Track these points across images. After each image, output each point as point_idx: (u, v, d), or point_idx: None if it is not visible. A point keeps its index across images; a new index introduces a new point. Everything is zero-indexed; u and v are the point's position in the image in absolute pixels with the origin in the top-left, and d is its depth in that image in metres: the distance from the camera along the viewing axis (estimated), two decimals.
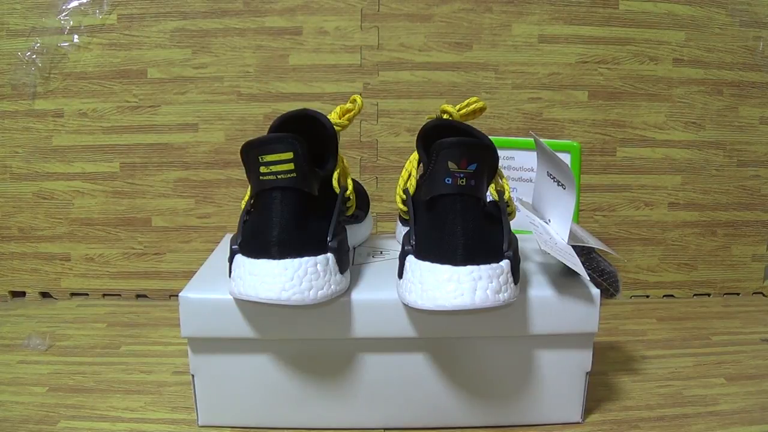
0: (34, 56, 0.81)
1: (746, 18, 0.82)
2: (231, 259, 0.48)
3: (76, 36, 0.81)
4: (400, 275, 0.49)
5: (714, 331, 0.75)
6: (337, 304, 0.50)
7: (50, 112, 0.83)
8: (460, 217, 0.46)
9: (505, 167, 0.73)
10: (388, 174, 0.85)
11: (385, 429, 0.54)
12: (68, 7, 0.80)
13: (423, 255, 0.46)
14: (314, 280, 0.46)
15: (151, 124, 0.83)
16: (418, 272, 0.46)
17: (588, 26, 0.82)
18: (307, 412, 0.53)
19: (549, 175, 0.54)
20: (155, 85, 0.82)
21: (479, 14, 0.81)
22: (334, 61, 0.82)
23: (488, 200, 0.50)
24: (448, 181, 0.47)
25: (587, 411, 0.56)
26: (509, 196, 0.53)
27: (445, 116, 0.55)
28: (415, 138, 0.54)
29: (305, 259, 0.46)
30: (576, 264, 0.50)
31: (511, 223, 0.50)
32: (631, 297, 0.87)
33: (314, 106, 0.79)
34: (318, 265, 0.46)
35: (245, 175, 0.50)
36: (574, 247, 0.53)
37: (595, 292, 0.52)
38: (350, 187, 0.54)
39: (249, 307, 0.50)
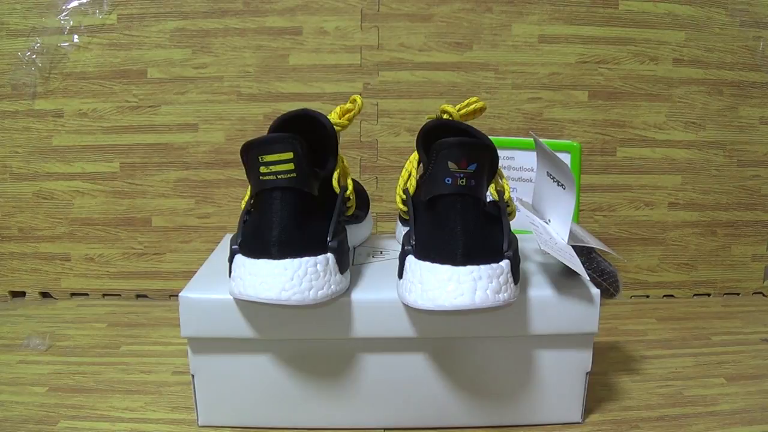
0: (34, 56, 0.81)
1: (746, 18, 0.82)
2: (231, 259, 0.48)
3: (76, 36, 0.81)
4: (400, 275, 0.49)
5: (714, 331, 0.75)
6: (337, 304, 0.50)
7: (50, 112, 0.83)
8: (460, 217, 0.46)
9: (505, 167, 0.73)
10: (388, 174, 0.85)
11: (385, 429, 0.54)
12: (68, 7, 0.80)
13: (423, 255, 0.46)
14: (314, 280, 0.46)
15: (151, 124, 0.83)
16: (418, 272, 0.46)
17: (588, 26, 0.82)
18: (307, 412, 0.53)
19: (549, 175, 0.54)
20: (155, 85, 0.82)
21: (479, 14, 0.81)
22: (334, 61, 0.82)
23: (488, 200, 0.50)
24: (448, 181, 0.47)
25: (587, 411, 0.56)
26: (509, 196, 0.53)
27: (445, 116, 0.55)
28: (415, 138, 0.54)
29: (305, 259, 0.46)
30: (576, 264, 0.50)
31: (511, 223, 0.50)
32: (631, 297, 0.87)
33: (314, 106, 0.79)
34: (318, 265, 0.46)
35: (245, 175, 0.50)
36: (574, 247, 0.53)
37: (595, 292, 0.52)
38: (350, 187, 0.54)
39: (249, 307, 0.50)
